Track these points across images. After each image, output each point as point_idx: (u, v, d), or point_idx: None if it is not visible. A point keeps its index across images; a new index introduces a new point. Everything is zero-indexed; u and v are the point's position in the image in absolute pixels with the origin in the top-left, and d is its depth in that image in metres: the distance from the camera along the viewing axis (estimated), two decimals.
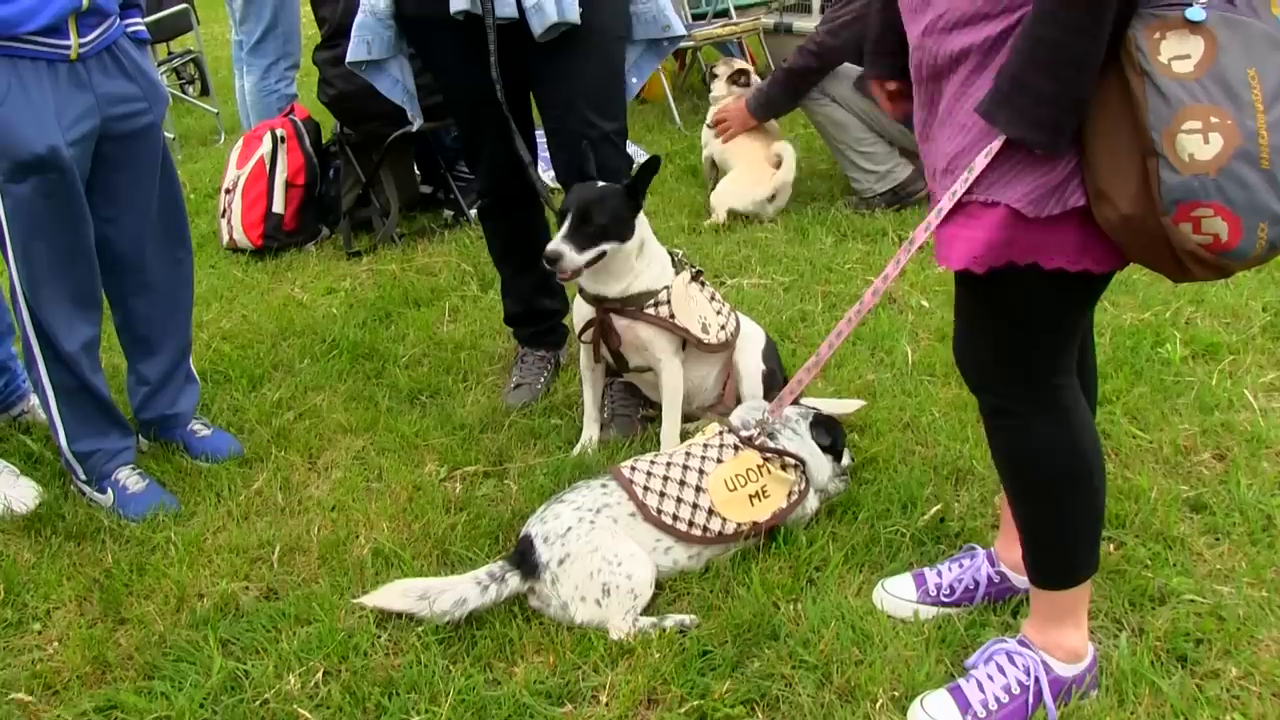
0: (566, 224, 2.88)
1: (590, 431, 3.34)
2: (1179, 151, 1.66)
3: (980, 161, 1.83)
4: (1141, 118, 1.68)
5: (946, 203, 1.89)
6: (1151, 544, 2.68)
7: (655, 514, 2.56)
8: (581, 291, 3.12)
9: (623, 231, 2.95)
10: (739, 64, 5.95)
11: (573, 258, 2.87)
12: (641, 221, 3.03)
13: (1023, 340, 1.96)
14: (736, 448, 2.73)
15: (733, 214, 5.30)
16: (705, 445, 2.75)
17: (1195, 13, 1.66)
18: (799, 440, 2.82)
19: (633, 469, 2.67)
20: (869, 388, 3.54)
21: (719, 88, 5.87)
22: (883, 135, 5.36)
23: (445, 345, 4.13)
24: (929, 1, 1.86)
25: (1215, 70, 1.64)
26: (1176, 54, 1.66)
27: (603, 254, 2.93)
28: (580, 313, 3.16)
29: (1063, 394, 2.01)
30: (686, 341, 3.14)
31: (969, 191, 1.87)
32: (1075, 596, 2.15)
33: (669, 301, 3.07)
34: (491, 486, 3.14)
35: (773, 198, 5.33)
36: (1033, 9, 1.70)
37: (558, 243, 2.86)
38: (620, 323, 3.07)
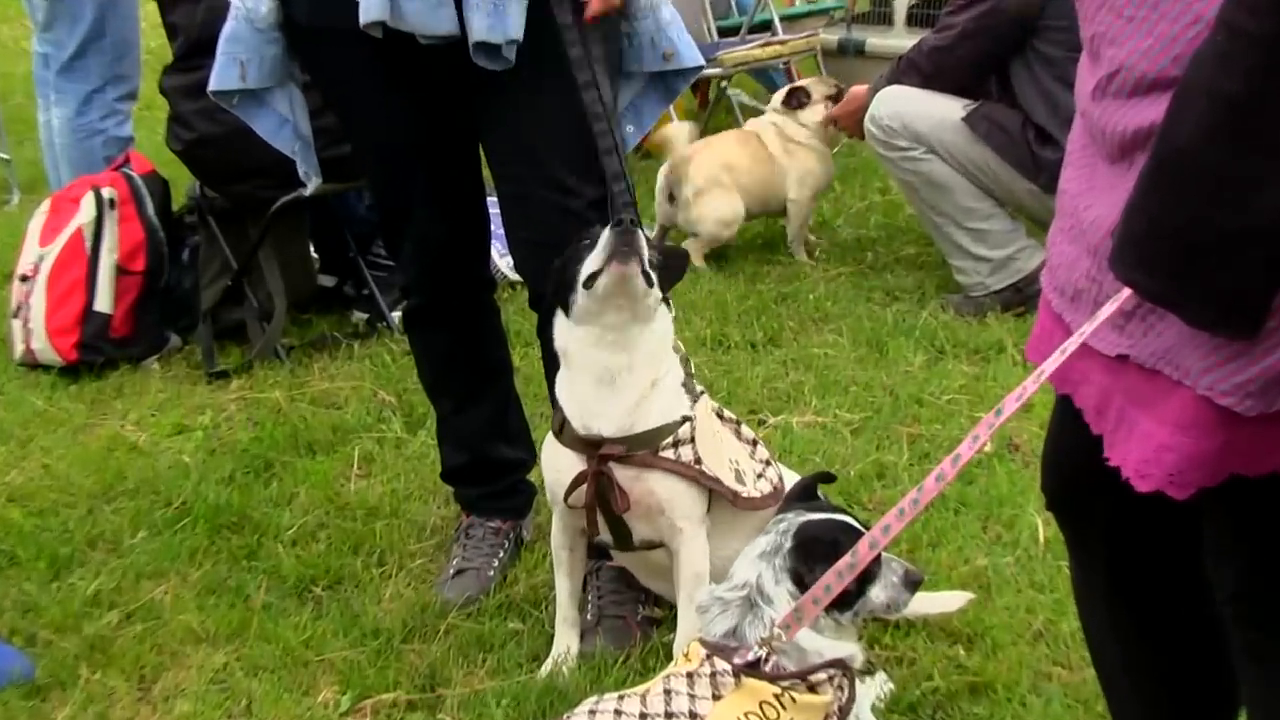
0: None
1: (567, 641, 3.36)
2: None
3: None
4: None
5: (1074, 342, 1.92)
6: None
7: None
8: (559, 434, 3.17)
9: (665, 294, 3.11)
10: (833, 83, 6.44)
11: (643, 269, 2.98)
12: (665, 314, 3.14)
13: None
14: (738, 675, 2.67)
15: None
16: (691, 677, 2.69)
17: None
18: (826, 628, 2.78)
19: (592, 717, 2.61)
20: (980, 577, 3.58)
21: (814, 115, 6.30)
22: (1003, 202, 5.51)
23: (353, 512, 4.17)
24: (1097, 54, 1.90)
25: None
26: None
27: (653, 292, 3.04)
28: (561, 464, 3.18)
29: None
30: (712, 500, 3.19)
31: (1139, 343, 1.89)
32: None
33: (693, 440, 3.11)
34: None
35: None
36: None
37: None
38: (625, 474, 3.09)
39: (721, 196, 6.23)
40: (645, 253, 2.96)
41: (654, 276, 3.00)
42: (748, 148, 6.40)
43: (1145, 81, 1.82)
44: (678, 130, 6.38)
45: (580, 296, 3.00)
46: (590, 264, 2.97)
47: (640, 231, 2.97)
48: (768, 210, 6.52)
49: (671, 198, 6.34)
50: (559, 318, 3.11)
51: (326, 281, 6.11)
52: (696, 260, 6.17)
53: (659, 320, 3.09)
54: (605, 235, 2.95)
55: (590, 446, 3.09)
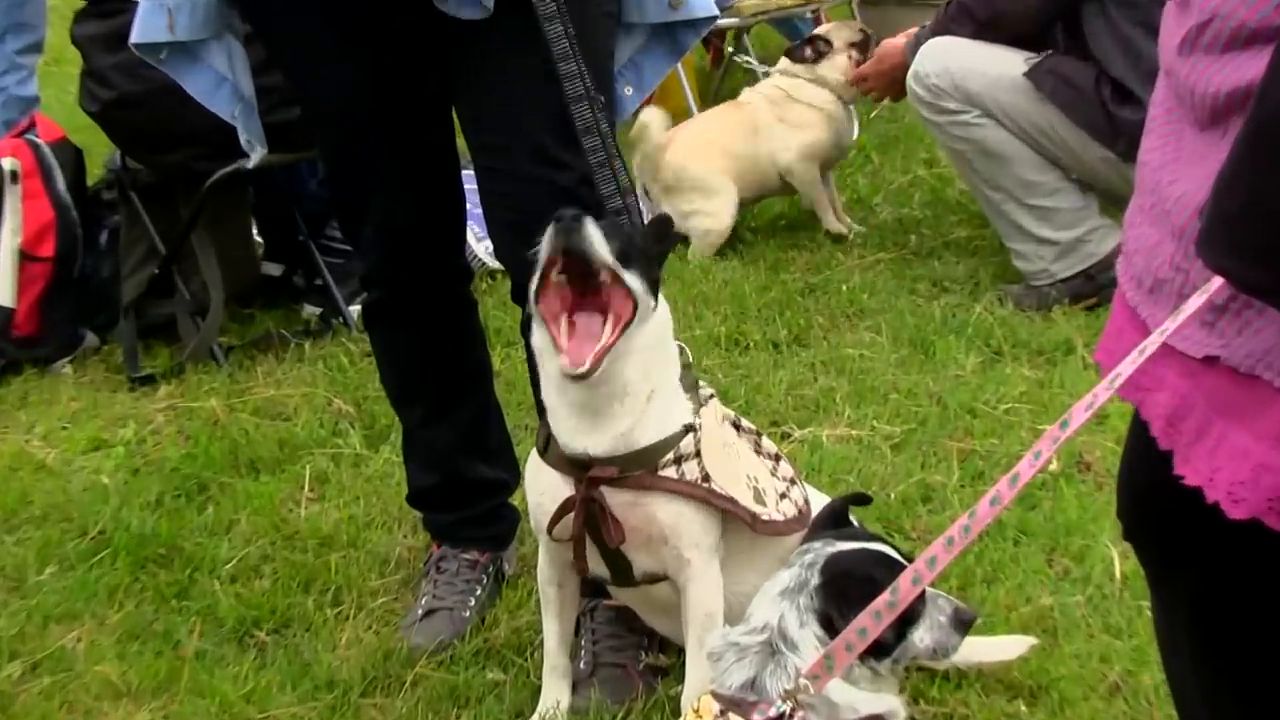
0: (583, 218, 2.92)
1: (556, 693, 3.37)
2: None
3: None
4: None
5: (1155, 342, 1.92)
6: None
7: None
8: (544, 451, 3.17)
9: (654, 282, 3.04)
10: (858, 27, 6.46)
11: (601, 240, 2.89)
12: (665, 311, 3.12)
13: None
14: None
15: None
16: None
17: None
18: (861, 678, 2.78)
19: None
20: (1044, 619, 3.59)
21: (834, 69, 6.31)
22: (1072, 174, 5.52)
23: (303, 542, 4.20)
24: (1187, 1, 1.88)
25: None
26: None
27: (630, 292, 2.95)
28: (545, 487, 3.17)
29: None
30: (724, 525, 3.16)
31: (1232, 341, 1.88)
32: None
33: (698, 454, 3.10)
34: None
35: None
36: None
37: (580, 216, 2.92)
38: (620, 499, 3.07)
39: (699, 198, 6.34)
40: (600, 249, 2.88)
41: (623, 272, 2.93)
42: (734, 122, 6.51)
43: (1244, 32, 1.78)
44: (648, 116, 6.41)
45: (534, 310, 3.00)
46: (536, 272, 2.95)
47: (588, 223, 2.88)
48: (771, 192, 6.63)
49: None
50: (535, 323, 3.08)
51: (272, 270, 6.15)
52: (705, 253, 6.27)
53: (650, 319, 3.04)
54: (547, 232, 2.91)
55: (577, 468, 3.07)
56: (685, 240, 6.29)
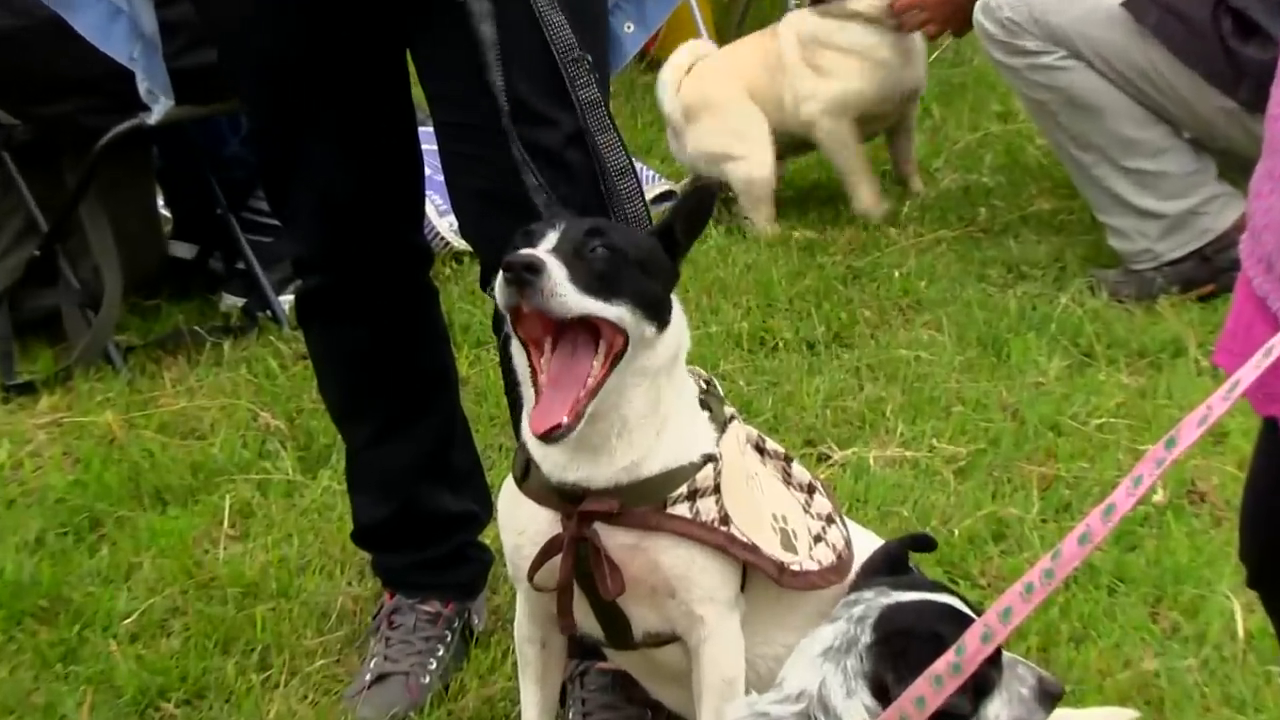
0: (551, 237, 2.91)
1: None
2: None
3: None
4: None
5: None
6: None
7: None
8: (524, 479, 3.15)
9: (657, 302, 3.01)
10: None
11: (565, 286, 2.84)
12: (679, 318, 3.11)
13: None
14: None
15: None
16: None
17: None
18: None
19: None
20: (1148, 688, 3.59)
21: None
22: (1182, 129, 5.52)
23: (221, 591, 4.19)
24: None
25: None
26: None
27: (618, 326, 2.93)
28: (525, 523, 3.15)
29: None
30: (747, 573, 3.16)
31: None
32: None
33: (718, 489, 3.09)
34: None
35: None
36: None
37: (538, 251, 2.86)
38: (619, 540, 3.06)
39: (731, 136, 6.39)
40: (562, 303, 2.80)
41: (607, 308, 2.87)
42: (760, 54, 6.57)
43: None
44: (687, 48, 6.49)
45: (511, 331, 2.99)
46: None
47: (547, 271, 2.79)
48: (798, 147, 6.69)
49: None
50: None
51: (182, 251, 6.17)
52: (763, 226, 6.32)
53: (665, 338, 3.02)
54: (497, 282, 2.86)
55: (566, 500, 3.05)
56: (727, 202, 6.36)
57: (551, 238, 2.89)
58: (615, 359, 2.90)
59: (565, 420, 2.83)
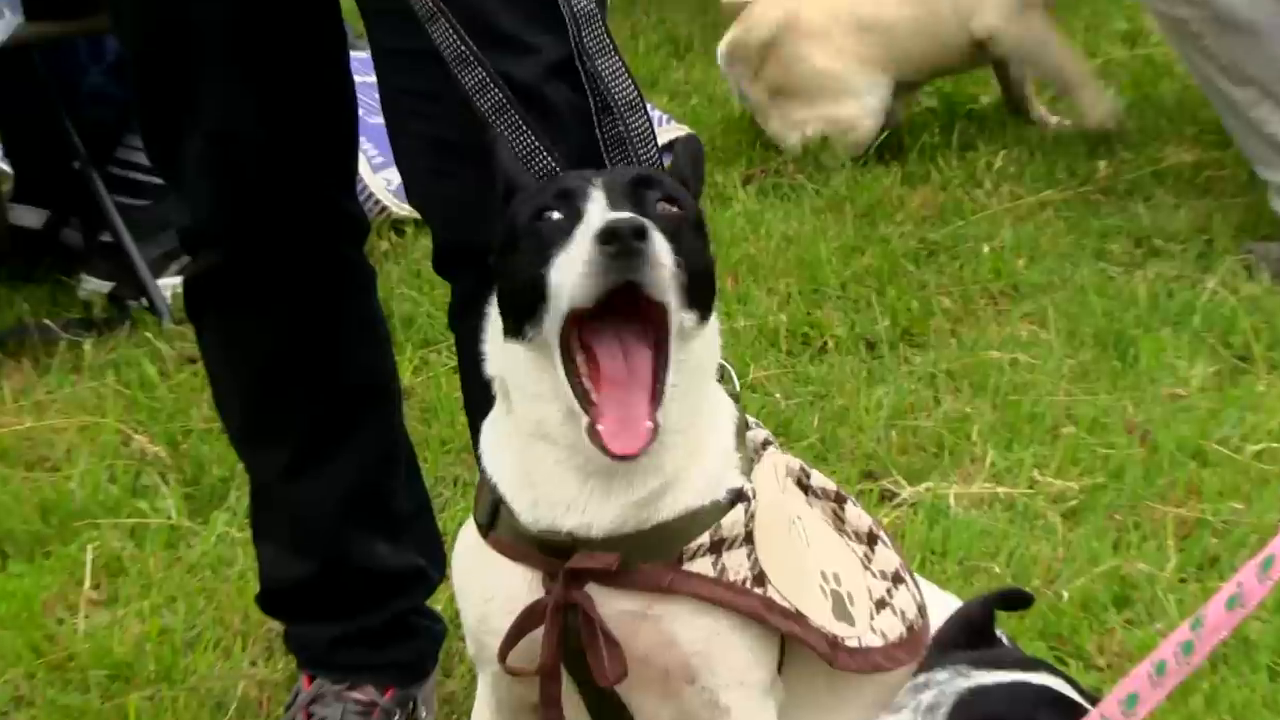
0: (597, 195, 2.90)
1: None
2: None
3: None
4: None
5: None
6: None
7: None
8: (489, 527, 3.12)
9: (711, 278, 3.03)
10: None
11: (668, 256, 2.83)
12: (712, 322, 3.10)
13: None
14: None
15: None
16: None
17: None
18: None
19: None
20: None
21: None
22: None
23: (81, 673, 4.16)
24: None
25: None
26: None
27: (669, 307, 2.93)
28: (497, 586, 3.13)
29: None
30: (787, 649, 3.17)
31: None
32: None
33: (749, 540, 3.07)
34: None
35: None
36: None
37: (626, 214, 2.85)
38: (620, 606, 3.04)
39: (828, 102, 6.49)
40: (666, 282, 2.83)
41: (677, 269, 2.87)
42: None
43: None
44: None
45: (547, 333, 2.91)
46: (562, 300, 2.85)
47: (654, 238, 2.80)
48: (954, 69, 6.79)
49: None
50: (493, 324, 3.05)
51: (28, 219, 6.18)
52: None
53: (709, 330, 3.03)
54: (587, 251, 2.84)
55: (552, 554, 3.03)
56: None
57: (598, 195, 2.87)
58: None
59: (649, 426, 2.81)
